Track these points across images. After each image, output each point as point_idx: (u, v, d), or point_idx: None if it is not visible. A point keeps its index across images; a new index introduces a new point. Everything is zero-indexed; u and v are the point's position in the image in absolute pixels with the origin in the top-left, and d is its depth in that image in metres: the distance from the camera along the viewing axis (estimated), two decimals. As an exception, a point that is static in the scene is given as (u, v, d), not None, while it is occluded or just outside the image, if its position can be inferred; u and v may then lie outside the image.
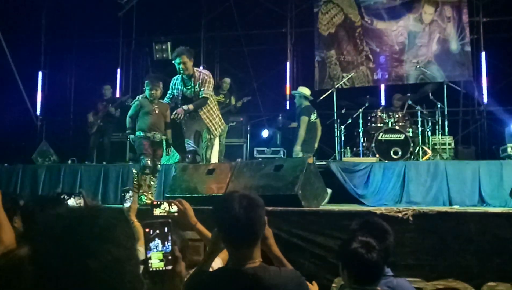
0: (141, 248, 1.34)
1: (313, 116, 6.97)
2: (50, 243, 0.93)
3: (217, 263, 2.43)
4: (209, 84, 5.28)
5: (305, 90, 7.03)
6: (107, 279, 0.91)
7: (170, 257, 1.33)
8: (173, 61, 5.35)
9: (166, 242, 1.34)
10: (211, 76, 5.38)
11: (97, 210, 1.01)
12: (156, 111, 5.23)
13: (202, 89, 5.24)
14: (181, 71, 5.27)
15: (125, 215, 3.38)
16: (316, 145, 7.26)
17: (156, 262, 1.33)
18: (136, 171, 4.94)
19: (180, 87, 5.39)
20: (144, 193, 4.96)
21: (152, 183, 5.18)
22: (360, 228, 2.32)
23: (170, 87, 5.53)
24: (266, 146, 8.20)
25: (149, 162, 5.08)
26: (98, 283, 0.90)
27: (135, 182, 5.05)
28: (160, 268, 1.33)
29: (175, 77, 5.48)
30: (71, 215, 1.00)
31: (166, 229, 1.36)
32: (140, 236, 3.23)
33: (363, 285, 2.06)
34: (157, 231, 1.35)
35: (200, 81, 5.26)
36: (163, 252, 1.34)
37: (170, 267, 1.34)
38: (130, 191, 4.74)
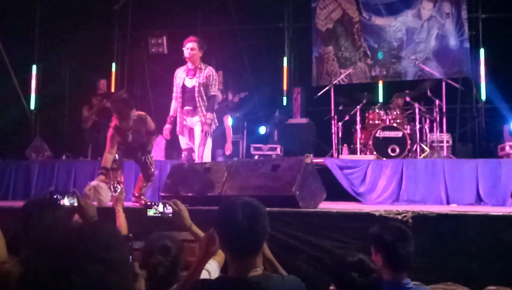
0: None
1: None
2: (43, 257, 0.92)
3: (213, 266, 2.36)
4: (216, 81, 5.16)
5: None
6: None
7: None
8: (183, 47, 5.14)
9: None
10: (216, 73, 5.25)
11: (99, 229, 1.00)
12: (130, 137, 4.93)
13: (210, 86, 5.09)
14: (187, 56, 5.07)
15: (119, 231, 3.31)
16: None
17: None
18: None
19: (183, 75, 5.20)
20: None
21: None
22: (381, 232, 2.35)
23: (174, 78, 5.31)
24: (263, 142, 8.11)
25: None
26: None
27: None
28: None
29: (179, 69, 5.29)
30: (72, 231, 1.00)
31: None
32: (124, 227, 3.14)
33: None
34: None
35: (205, 75, 5.09)
36: None
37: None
38: (120, 184, 4.67)
